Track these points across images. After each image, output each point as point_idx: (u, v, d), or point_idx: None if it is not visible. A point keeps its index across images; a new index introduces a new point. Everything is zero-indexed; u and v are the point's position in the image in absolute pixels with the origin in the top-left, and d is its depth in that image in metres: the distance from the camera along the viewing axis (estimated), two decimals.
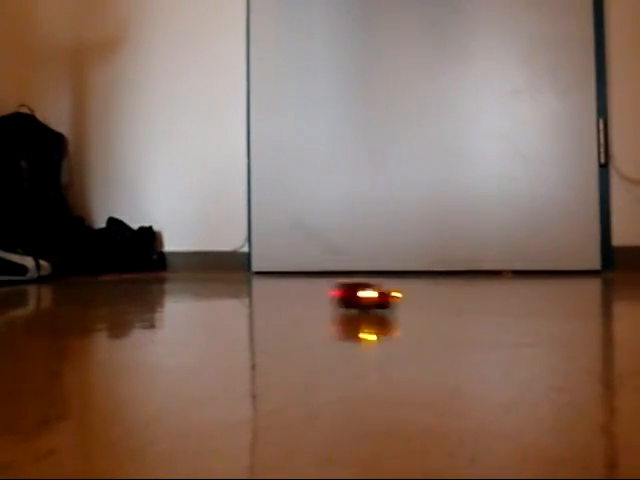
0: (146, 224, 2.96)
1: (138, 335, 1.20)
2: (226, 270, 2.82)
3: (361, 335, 1.14)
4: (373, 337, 1.12)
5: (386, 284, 1.43)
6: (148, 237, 2.93)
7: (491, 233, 2.58)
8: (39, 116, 3.00)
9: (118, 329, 1.30)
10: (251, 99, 2.85)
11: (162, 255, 2.95)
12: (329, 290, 1.41)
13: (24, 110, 2.96)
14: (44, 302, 1.99)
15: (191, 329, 1.31)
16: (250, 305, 1.76)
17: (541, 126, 2.58)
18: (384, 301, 1.33)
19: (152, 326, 1.32)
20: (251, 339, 1.19)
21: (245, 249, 2.86)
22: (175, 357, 0.96)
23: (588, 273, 2.40)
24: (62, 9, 3.13)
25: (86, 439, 0.60)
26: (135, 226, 2.95)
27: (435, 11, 2.66)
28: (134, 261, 2.87)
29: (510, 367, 0.84)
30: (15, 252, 2.48)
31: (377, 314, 1.33)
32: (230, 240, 2.87)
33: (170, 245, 2.98)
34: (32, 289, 2.22)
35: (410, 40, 2.70)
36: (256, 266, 2.79)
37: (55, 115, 3.08)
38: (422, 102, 2.68)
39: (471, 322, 1.27)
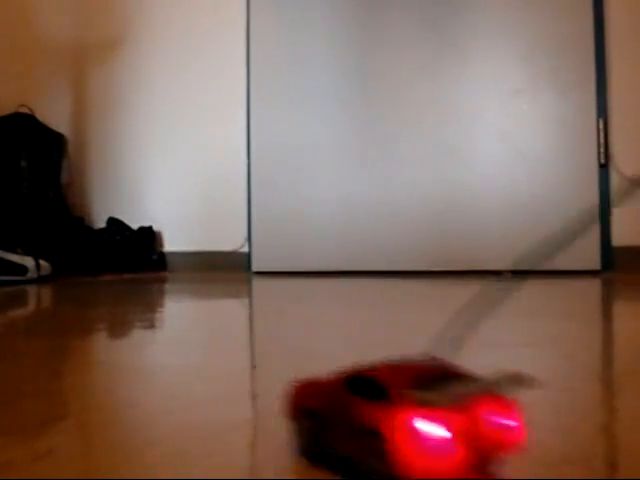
0: (146, 224, 2.96)
1: (138, 335, 1.20)
2: (226, 270, 2.81)
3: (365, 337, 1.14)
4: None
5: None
6: (148, 237, 2.93)
7: (491, 233, 2.58)
8: (39, 116, 2.99)
9: (118, 329, 1.30)
10: (251, 99, 2.85)
11: (162, 255, 2.95)
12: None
13: (24, 110, 2.96)
14: (44, 302, 1.99)
15: (191, 329, 1.31)
16: (250, 305, 1.76)
17: (541, 126, 2.58)
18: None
19: (152, 326, 1.32)
20: (251, 339, 1.19)
21: (245, 249, 2.85)
22: (175, 357, 0.96)
23: (588, 273, 2.40)
24: (62, 9, 3.13)
25: (86, 439, 0.59)
26: (135, 226, 2.95)
27: (435, 11, 2.66)
28: (134, 261, 2.87)
29: (510, 367, 0.84)
30: (15, 252, 2.48)
31: None
32: (230, 240, 2.87)
33: (170, 245, 2.97)
34: (32, 289, 2.22)
35: (410, 40, 2.70)
36: (256, 266, 2.79)
37: (55, 115, 3.08)
38: (422, 102, 2.68)
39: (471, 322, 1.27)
